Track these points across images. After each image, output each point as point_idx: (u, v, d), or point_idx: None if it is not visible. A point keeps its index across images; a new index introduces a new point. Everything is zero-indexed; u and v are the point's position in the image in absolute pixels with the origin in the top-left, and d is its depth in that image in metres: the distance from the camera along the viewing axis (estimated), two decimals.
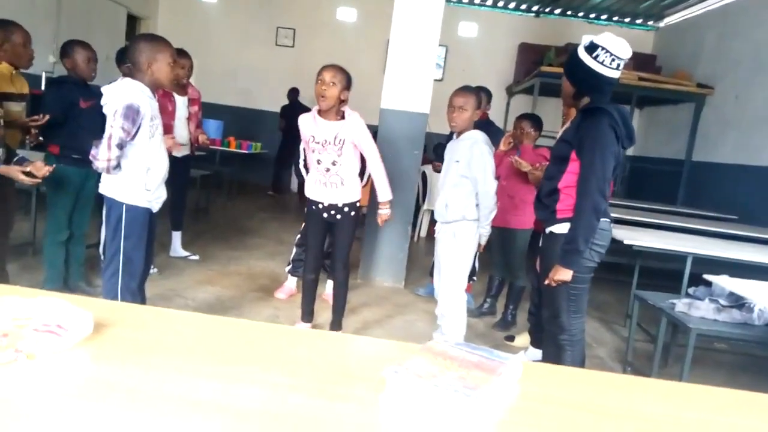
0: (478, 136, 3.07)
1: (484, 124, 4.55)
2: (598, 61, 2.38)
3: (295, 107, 8.37)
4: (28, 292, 1.21)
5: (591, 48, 2.39)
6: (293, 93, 8.93)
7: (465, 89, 3.10)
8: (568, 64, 2.54)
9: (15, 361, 0.95)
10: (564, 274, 2.42)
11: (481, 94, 3.10)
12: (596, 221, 2.39)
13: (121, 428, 0.82)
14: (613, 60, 2.38)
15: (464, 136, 3.09)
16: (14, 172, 2.69)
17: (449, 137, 3.41)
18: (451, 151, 3.16)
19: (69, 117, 3.31)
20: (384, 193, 3.20)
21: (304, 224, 4.07)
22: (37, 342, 0.99)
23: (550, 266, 2.52)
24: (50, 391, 0.90)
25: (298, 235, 4.15)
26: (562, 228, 2.48)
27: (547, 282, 2.50)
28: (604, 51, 2.37)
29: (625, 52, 2.39)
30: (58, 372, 0.96)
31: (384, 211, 3.25)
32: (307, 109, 3.17)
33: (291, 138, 7.15)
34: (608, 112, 2.36)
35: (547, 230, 2.59)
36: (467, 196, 3.06)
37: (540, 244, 2.94)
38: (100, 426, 0.82)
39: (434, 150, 6.51)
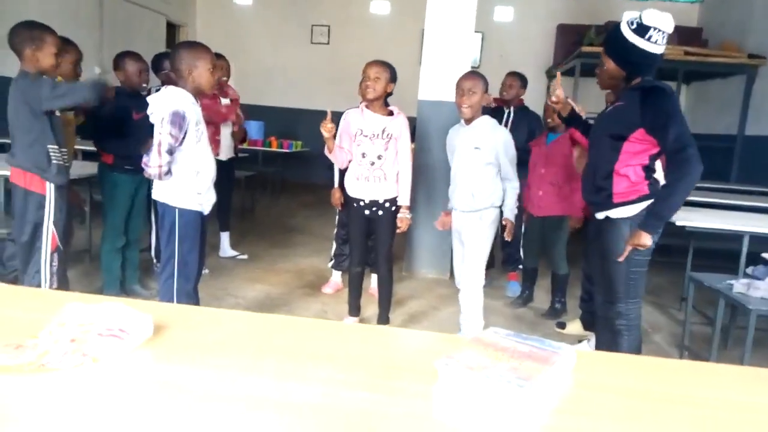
0: (493, 121, 3.07)
1: (520, 110, 4.50)
2: (651, 42, 2.33)
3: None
4: (89, 298, 1.27)
5: (642, 29, 2.33)
6: None
7: (472, 73, 3.10)
8: (614, 47, 2.45)
9: (82, 365, 0.99)
10: (646, 239, 2.35)
11: (486, 79, 3.04)
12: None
13: (185, 426, 0.85)
14: (664, 37, 2.35)
15: (477, 123, 3.04)
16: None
17: None
18: (465, 138, 3.09)
19: (122, 128, 3.40)
20: (408, 196, 3.24)
21: (338, 216, 4.14)
22: (101, 346, 1.03)
23: (610, 251, 2.46)
24: (116, 393, 0.95)
25: (336, 230, 4.20)
26: (620, 213, 2.42)
27: (628, 246, 2.39)
28: (657, 31, 2.32)
29: (671, 24, 2.34)
30: (123, 374, 1.00)
31: (408, 215, 3.25)
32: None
33: None
34: (669, 87, 2.36)
35: (601, 215, 2.52)
36: (492, 181, 3.05)
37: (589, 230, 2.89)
38: (166, 424, 0.85)
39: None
